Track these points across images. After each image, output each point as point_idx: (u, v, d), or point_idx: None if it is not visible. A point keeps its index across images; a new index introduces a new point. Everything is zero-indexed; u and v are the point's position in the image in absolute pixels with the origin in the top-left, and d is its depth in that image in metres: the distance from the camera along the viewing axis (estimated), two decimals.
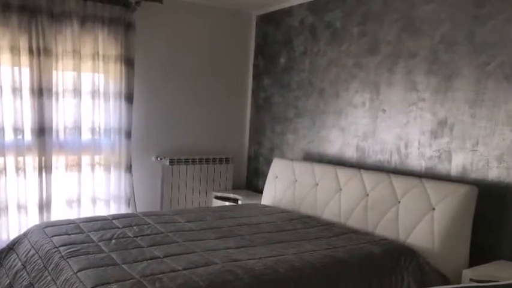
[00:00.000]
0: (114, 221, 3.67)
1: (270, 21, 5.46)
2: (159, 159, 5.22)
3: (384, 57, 4.08)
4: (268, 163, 5.23)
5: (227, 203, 5.20)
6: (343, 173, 4.07)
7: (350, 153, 4.41)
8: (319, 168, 4.31)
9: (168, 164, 5.16)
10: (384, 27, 4.08)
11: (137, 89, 4.95)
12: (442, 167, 3.62)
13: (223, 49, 5.57)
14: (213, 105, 5.57)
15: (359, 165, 4.26)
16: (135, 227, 3.50)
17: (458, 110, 3.49)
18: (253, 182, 5.79)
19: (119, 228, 3.48)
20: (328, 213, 4.06)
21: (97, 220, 3.68)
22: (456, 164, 3.52)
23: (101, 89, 4.73)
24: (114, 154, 4.84)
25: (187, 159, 5.30)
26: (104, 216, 3.85)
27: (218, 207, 4.59)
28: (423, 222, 3.33)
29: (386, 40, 4.05)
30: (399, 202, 3.53)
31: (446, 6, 3.59)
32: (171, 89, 5.26)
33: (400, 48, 3.93)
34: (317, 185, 4.25)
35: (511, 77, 3.19)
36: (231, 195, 5.37)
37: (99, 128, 4.75)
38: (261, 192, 5.17)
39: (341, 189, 4.02)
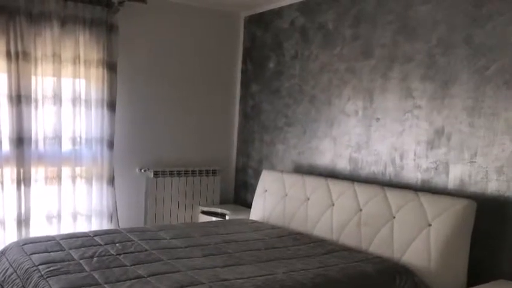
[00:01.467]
0: (95, 237, 3.68)
1: (258, 23, 5.51)
2: (142, 171, 5.23)
3: (377, 62, 4.11)
4: (257, 175, 5.26)
5: (214, 219, 5.21)
6: (335, 187, 4.09)
7: (342, 165, 4.43)
8: (310, 181, 4.33)
9: (152, 176, 5.18)
10: (378, 29, 4.11)
11: (120, 95, 4.97)
12: (439, 180, 3.64)
13: (210, 53, 5.61)
14: (200, 114, 5.60)
15: (352, 178, 4.29)
16: (117, 244, 3.51)
17: (456, 118, 3.52)
18: (242, 196, 5.81)
19: (100, 245, 3.49)
20: (320, 230, 4.07)
21: (78, 237, 3.69)
22: (454, 176, 3.54)
23: (82, 96, 4.75)
24: (96, 166, 4.85)
25: (172, 172, 5.32)
26: (85, 233, 3.86)
27: (205, 222, 4.60)
28: (419, 239, 3.34)
29: (381, 43, 4.08)
30: (394, 217, 3.54)
31: (443, 7, 3.63)
32: (156, 96, 5.30)
33: (395, 52, 3.97)
34: (308, 199, 4.27)
35: (511, 82, 3.22)
36: (218, 210, 5.39)
37: (80, 137, 4.77)
38: (249, 206, 5.18)
39: (333, 204, 4.03)
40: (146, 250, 3.41)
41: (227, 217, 5.19)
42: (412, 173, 3.83)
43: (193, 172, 5.46)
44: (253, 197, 4.92)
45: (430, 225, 3.32)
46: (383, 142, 4.05)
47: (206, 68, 5.60)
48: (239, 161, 5.85)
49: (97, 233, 3.82)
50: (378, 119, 4.10)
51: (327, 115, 4.59)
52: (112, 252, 3.34)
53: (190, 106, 5.52)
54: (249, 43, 5.67)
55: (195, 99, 5.55)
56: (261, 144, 5.44)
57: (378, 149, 4.10)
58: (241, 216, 5.08)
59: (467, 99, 3.45)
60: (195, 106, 5.56)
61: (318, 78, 4.70)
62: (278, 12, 5.19)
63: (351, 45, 4.36)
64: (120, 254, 3.29)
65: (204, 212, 5.46)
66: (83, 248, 3.38)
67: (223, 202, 5.80)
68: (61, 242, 3.53)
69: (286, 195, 4.50)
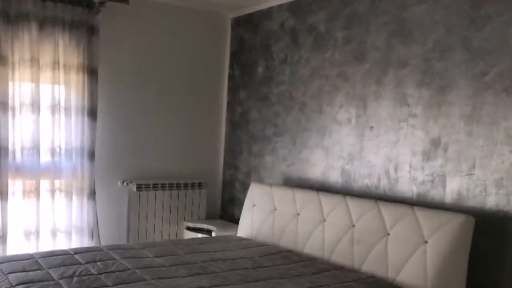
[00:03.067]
0: (76, 255, 3.69)
1: (246, 25, 5.54)
2: (125, 184, 5.24)
3: (371, 66, 4.13)
4: (245, 189, 5.25)
5: (200, 235, 5.22)
6: (327, 201, 4.10)
7: (334, 178, 4.45)
8: (300, 195, 4.34)
9: (135, 190, 5.20)
10: (371, 32, 4.13)
11: (101, 103, 4.98)
12: (435, 193, 3.65)
13: (196, 57, 5.64)
14: (185, 122, 5.61)
15: (344, 191, 4.30)
16: (99, 263, 3.52)
17: (453, 127, 3.53)
18: (229, 211, 5.82)
19: (81, 264, 3.50)
20: (311, 247, 4.08)
21: (57, 255, 3.71)
22: (451, 189, 3.55)
23: (62, 103, 4.76)
24: (76, 178, 4.86)
25: (156, 184, 5.33)
26: (65, 251, 3.88)
27: (190, 239, 4.62)
28: (415, 257, 3.35)
29: (374, 46, 4.11)
30: (388, 234, 3.55)
31: (440, 8, 3.65)
32: (139, 102, 5.31)
33: (390, 56, 3.99)
34: (298, 214, 4.28)
35: (511, 89, 3.23)
36: (204, 226, 5.40)
37: (60, 148, 4.78)
38: (236, 222, 5.18)
39: (324, 220, 4.04)
40: (129, 269, 3.42)
41: (213, 234, 5.20)
42: (407, 186, 3.84)
43: (178, 185, 5.47)
44: (240, 212, 4.93)
45: (426, 242, 3.32)
46: (377, 153, 4.07)
47: (192, 73, 5.62)
48: (226, 174, 5.86)
49: (77, 251, 3.83)
50: (371, 128, 4.12)
51: (318, 124, 4.60)
52: (93, 271, 3.35)
53: (175, 114, 5.55)
54: (236, 46, 5.70)
55: (180, 107, 5.57)
56: (249, 155, 5.46)
57: (371, 160, 4.12)
58: (228, 232, 5.10)
59: (465, 107, 3.47)
60: (180, 114, 5.58)
61: (308, 84, 4.72)
62: (267, 13, 5.22)
63: (343, 48, 4.38)
64: (101, 274, 3.30)
65: (189, 228, 5.47)
66: (62, 267, 3.39)
67: (209, 217, 5.81)
68: (40, 260, 3.54)
69: (275, 210, 4.50)
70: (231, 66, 5.78)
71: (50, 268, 3.37)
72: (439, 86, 3.63)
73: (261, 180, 5.25)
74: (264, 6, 5.25)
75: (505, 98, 3.26)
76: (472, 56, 3.45)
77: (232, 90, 5.75)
